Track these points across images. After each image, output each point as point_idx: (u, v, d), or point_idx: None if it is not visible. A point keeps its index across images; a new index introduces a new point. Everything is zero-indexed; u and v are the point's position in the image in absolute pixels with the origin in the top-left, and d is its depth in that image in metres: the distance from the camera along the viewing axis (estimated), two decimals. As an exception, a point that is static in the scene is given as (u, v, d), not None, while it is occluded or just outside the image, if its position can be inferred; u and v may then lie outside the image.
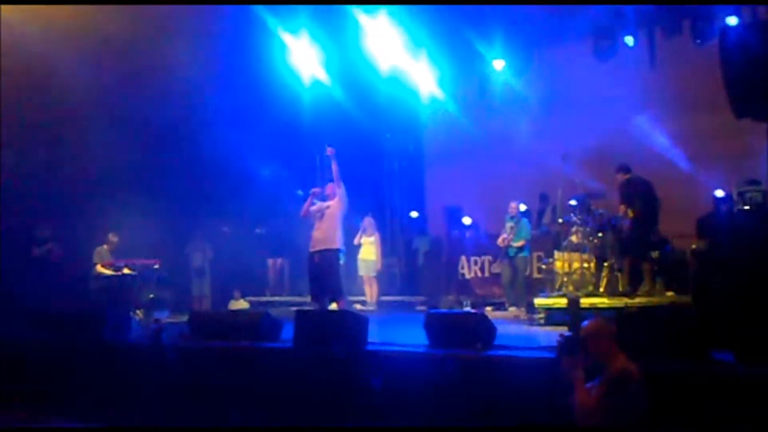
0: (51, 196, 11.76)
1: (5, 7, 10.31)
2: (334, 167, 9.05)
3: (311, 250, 9.06)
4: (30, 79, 10.84)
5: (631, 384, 4.28)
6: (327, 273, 8.90)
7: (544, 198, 12.10)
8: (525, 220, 11.35)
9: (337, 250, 9.06)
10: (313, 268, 9.03)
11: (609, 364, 4.37)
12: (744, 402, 5.05)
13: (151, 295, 11.47)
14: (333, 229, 8.99)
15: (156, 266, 11.87)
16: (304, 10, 12.11)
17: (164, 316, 10.38)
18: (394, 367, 6.67)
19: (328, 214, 9.01)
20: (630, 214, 9.35)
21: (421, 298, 12.77)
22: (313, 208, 9.13)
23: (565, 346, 4.63)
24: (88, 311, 9.16)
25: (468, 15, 12.16)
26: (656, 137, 12.43)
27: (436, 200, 14.80)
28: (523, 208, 11.67)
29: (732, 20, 10.66)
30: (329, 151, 9.12)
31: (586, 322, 4.68)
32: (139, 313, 10.80)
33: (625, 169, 9.79)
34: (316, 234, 9.02)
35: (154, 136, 12.15)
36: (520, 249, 11.14)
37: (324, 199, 9.23)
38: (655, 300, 8.93)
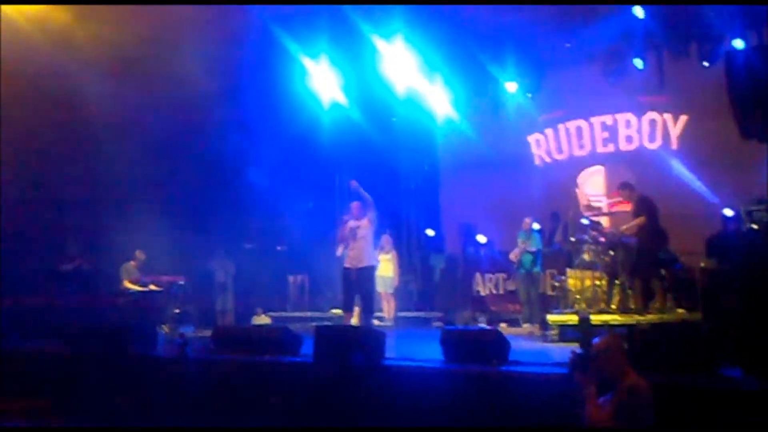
0: (79, 212, 12.05)
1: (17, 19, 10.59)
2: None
3: (347, 266, 9.40)
4: (53, 98, 11.11)
5: (641, 399, 4.35)
6: (365, 288, 9.31)
7: (555, 217, 12.28)
8: (536, 234, 11.57)
9: (372, 267, 9.53)
10: (348, 283, 9.37)
11: (620, 379, 4.43)
12: (752, 416, 5.13)
13: (177, 310, 11.71)
14: (366, 247, 9.40)
15: (181, 282, 12.19)
16: (323, 35, 12.39)
17: (189, 331, 10.55)
18: (411, 382, 6.80)
19: (360, 234, 9.39)
20: (641, 221, 9.46)
21: (437, 314, 12.91)
22: (347, 227, 9.50)
23: (577, 362, 4.71)
24: (117, 326, 9.37)
25: (481, 39, 12.42)
26: (666, 157, 12.59)
27: (451, 218, 14.92)
28: (536, 226, 11.86)
29: (738, 43, 10.81)
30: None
31: (597, 339, 4.74)
32: (165, 328, 11.03)
33: (628, 186, 9.89)
34: (352, 253, 9.40)
35: (181, 157, 12.43)
36: (534, 263, 11.31)
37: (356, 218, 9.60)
38: (665, 317, 8.93)
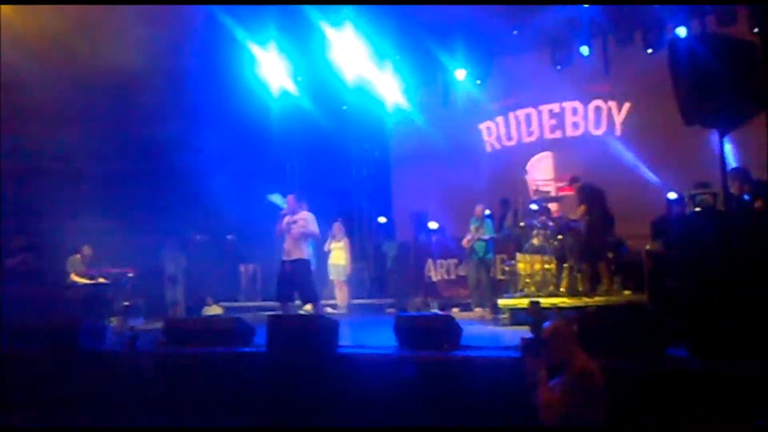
0: (23, 206, 11.75)
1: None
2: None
3: (284, 258, 9.63)
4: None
5: (591, 381, 4.38)
6: (300, 280, 9.46)
7: (505, 202, 12.45)
8: (488, 221, 11.67)
9: (307, 261, 9.76)
10: (283, 275, 9.58)
11: (570, 362, 4.47)
12: (698, 394, 5.32)
13: (126, 303, 11.52)
14: (301, 241, 9.66)
15: (130, 274, 11.98)
16: (272, 23, 12.29)
17: (139, 324, 10.41)
18: (365, 369, 6.85)
19: (295, 228, 9.64)
20: (582, 210, 9.72)
21: (390, 301, 12.99)
22: (284, 221, 9.69)
23: (529, 346, 4.79)
24: (64, 320, 9.07)
25: (430, 27, 12.47)
26: (611, 143, 12.91)
27: (402, 206, 15.00)
28: (487, 212, 12.01)
29: (681, 31, 11.09)
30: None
31: (547, 324, 4.78)
32: (114, 321, 10.87)
33: (574, 180, 10.32)
34: (286, 246, 9.64)
35: (125, 147, 12.21)
36: (486, 249, 11.42)
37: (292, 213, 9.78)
38: (613, 299, 9.18)
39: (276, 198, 10.89)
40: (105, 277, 11.58)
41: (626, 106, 13.13)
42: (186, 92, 12.26)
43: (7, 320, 9.25)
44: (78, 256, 11.61)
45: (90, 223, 11.66)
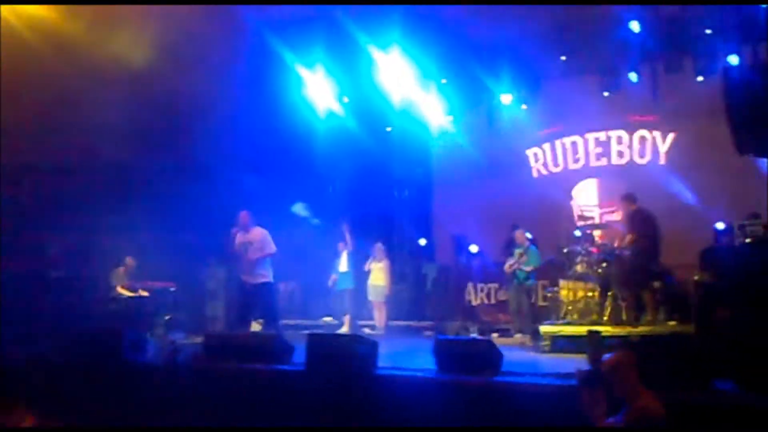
0: (67, 217, 11.94)
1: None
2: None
3: (243, 278, 9.62)
4: (49, 107, 11.08)
5: (654, 423, 4.16)
6: (262, 302, 9.55)
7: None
8: (534, 248, 11.44)
9: (268, 284, 9.67)
10: (243, 295, 9.64)
11: (632, 400, 4.25)
12: (744, 428, 5.18)
13: (168, 317, 11.67)
14: (259, 262, 9.52)
15: (172, 288, 12.13)
16: (319, 46, 12.41)
17: (180, 337, 10.48)
18: (404, 392, 6.80)
19: (251, 249, 9.50)
20: (629, 239, 9.55)
21: (429, 324, 12.85)
22: (237, 242, 9.57)
23: (586, 379, 4.54)
24: (107, 332, 9.14)
25: (477, 51, 12.47)
26: (657, 171, 12.74)
27: (443, 228, 14.95)
28: (528, 235, 11.87)
29: (734, 59, 10.92)
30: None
31: (608, 355, 4.54)
32: (156, 334, 11.00)
33: (631, 198, 9.97)
34: (245, 267, 9.56)
35: (174, 164, 12.39)
36: (528, 275, 11.21)
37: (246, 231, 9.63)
38: (658, 329, 9.02)
39: (299, 208, 10.92)
40: (147, 290, 11.74)
41: (671, 135, 13.10)
42: (233, 112, 12.47)
43: (52, 329, 9.42)
44: (122, 268, 11.81)
45: (134, 236, 11.83)
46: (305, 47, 12.48)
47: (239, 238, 9.51)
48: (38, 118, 11.05)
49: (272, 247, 9.54)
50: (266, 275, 9.52)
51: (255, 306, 9.40)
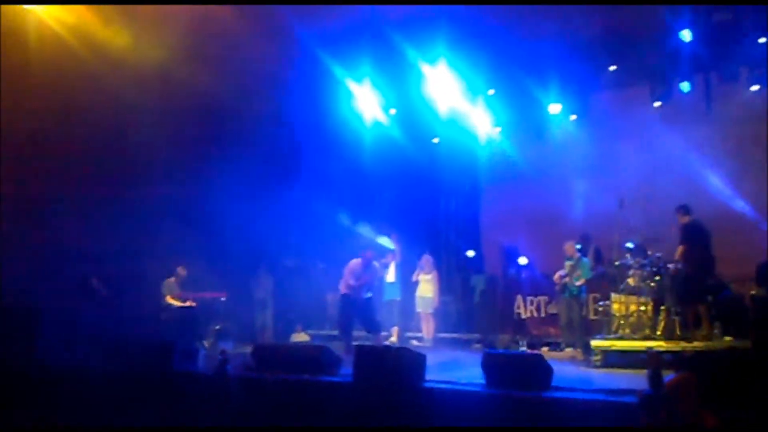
0: (117, 227, 12.16)
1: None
2: None
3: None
4: (98, 108, 11.36)
5: None
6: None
7: (585, 238, 12.10)
8: (585, 259, 11.30)
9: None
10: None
11: (694, 424, 4.14)
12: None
13: (217, 327, 11.84)
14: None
15: (222, 298, 12.30)
16: (367, 60, 12.51)
17: (229, 347, 10.60)
18: (452, 405, 6.79)
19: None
20: (680, 251, 9.34)
21: (477, 336, 12.81)
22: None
23: (647, 403, 4.44)
24: (158, 342, 9.37)
25: (525, 62, 12.37)
26: (713, 182, 12.41)
27: (492, 239, 14.84)
28: (577, 246, 11.71)
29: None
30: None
31: (669, 378, 4.42)
32: (206, 344, 11.16)
33: (685, 209, 9.81)
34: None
35: (224, 174, 12.55)
36: (579, 288, 11.04)
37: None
38: (713, 345, 8.81)
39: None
40: (196, 301, 11.91)
41: (726, 145, 12.66)
42: (284, 124, 12.65)
43: (104, 339, 9.60)
44: (173, 278, 12.02)
45: (185, 246, 11.99)
46: (354, 62, 12.60)
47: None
48: (92, 127, 11.35)
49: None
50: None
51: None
